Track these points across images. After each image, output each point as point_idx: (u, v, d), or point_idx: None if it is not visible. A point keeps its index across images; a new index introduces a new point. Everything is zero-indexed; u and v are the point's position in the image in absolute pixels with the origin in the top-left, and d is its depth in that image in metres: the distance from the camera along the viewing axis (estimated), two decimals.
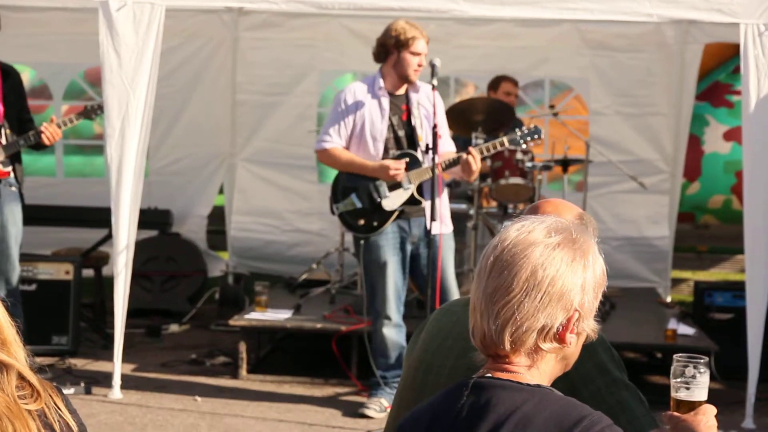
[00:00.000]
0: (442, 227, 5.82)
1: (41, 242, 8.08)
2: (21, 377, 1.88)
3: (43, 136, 6.11)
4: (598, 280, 1.96)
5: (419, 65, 5.81)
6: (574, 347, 1.95)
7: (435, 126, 5.67)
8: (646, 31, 8.48)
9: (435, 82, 5.76)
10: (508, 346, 1.88)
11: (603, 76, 8.73)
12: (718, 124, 10.14)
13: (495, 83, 8.12)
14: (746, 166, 5.81)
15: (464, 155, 5.77)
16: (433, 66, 5.75)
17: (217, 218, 9.25)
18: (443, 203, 5.95)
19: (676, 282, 9.31)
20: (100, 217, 7.15)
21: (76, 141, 11.02)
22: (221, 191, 9.19)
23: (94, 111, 6.26)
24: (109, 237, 6.81)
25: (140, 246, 7.86)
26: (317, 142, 6.03)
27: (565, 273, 1.88)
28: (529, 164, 7.17)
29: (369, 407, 5.87)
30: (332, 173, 9.26)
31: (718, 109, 10.17)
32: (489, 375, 1.91)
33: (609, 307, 7.36)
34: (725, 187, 10.08)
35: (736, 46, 5.82)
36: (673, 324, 6.70)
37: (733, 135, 9.80)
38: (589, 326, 1.95)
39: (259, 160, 8.94)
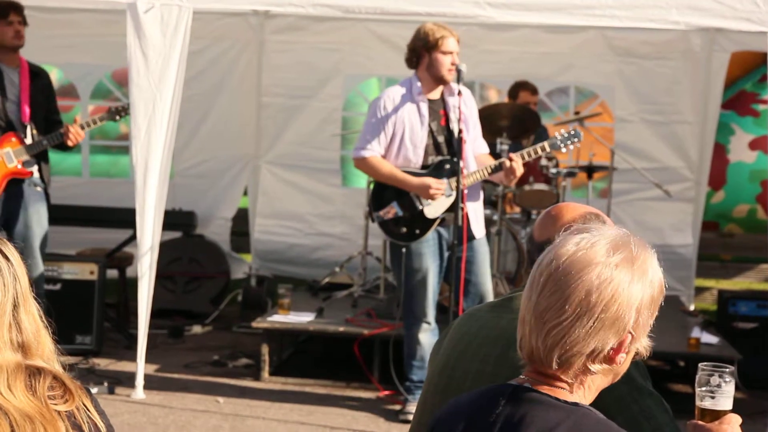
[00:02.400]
0: (477, 232, 5.82)
1: (66, 242, 8.13)
2: (54, 377, 1.90)
3: (65, 138, 6.16)
4: (656, 297, 1.89)
5: (452, 64, 5.75)
6: (624, 366, 1.90)
7: (460, 131, 5.66)
8: (672, 39, 8.45)
9: (461, 86, 5.74)
10: (555, 365, 1.83)
11: (628, 83, 8.70)
12: (744, 133, 10.09)
13: (514, 91, 8.12)
14: None
15: (507, 162, 5.75)
16: (459, 71, 5.73)
17: (241, 220, 9.27)
18: (480, 204, 5.95)
19: (700, 290, 9.26)
20: (125, 218, 7.19)
21: (102, 141, 11.08)
22: (245, 193, 9.22)
23: (118, 113, 6.30)
24: (133, 238, 6.84)
25: (164, 247, 7.88)
26: (355, 150, 5.93)
27: (621, 296, 1.80)
28: (553, 170, 7.16)
29: (411, 412, 5.75)
30: (356, 177, 9.35)
31: (743, 118, 10.12)
32: (528, 385, 1.87)
33: None
34: (750, 196, 10.03)
35: (764, 55, 5.80)
36: (696, 332, 6.67)
37: (758, 144, 9.75)
38: (642, 345, 1.89)
39: (283, 163, 8.95)
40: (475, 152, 5.95)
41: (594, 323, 1.79)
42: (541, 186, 7.12)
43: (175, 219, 8.39)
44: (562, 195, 7.25)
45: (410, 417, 5.76)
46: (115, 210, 8.31)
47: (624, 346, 1.84)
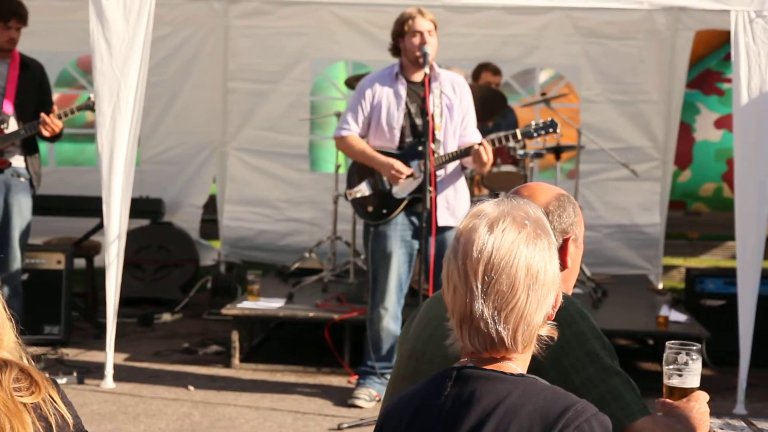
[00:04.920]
0: (455, 220, 5.81)
1: (33, 231, 7.97)
2: (21, 369, 1.88)
3: (41, 127, 6.11)
4: (554, 243, 1.98)
5: (422, 43, 5.74)
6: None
7: (430, 115, 5.66)
8: (637, 19, 8.48)
9: (427, 70, 5.74)
10: (520, 347, 1.89)
11: (594, 64, 8.73)
12: (709, 111, 10.15)
13: (476, 73, 8.12)
14: (737, 153, 5.82)
15: (476, 146, 5.73)
16: (424, 54, 5.73)
17: (210, 207, 9.24)
18: (458, 194, 5.93)
19: (668, 269, 9.33)
20: (92, 207, 7.14)
21: (69, 130, 10.96)
22: (215, 180, 9.18)
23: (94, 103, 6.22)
24: (100, 226, 6.80)
25: (132, 235, 7.86)
26: (336, 129, 6.03)
27: (549, 258, 1.90)
28: (521, 152, 7.17)
29: (359, 397, 5.88)
30: (325, 162, 9.33)
31: (709, 97, 10.17)
32: (472, 365, 1.90)
33: (601, 294, 7.38)
34: (716, 174, 10.10)
35: (728, 34, 5.82)
36: (664, 311, 6.72)
37: (724, 123, 9.81)
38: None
39: (251, 149, 8.92)
40: (464, 140, 5.89)
41: (541, 291, 1.88)
42: (508, 167, 7.13)
43: (143, 207, 8.34)
44: (529, 176, 7.26)
45: (357, 402, 5.81)
46: (81, 199, 8.25)
47: (558, 299, 1.94)
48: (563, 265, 2.49)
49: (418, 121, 5.85)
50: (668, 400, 2.59)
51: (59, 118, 6.14)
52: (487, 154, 5.71)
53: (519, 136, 5.91)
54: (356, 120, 5.91)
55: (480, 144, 5.73)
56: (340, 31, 8.72)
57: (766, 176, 5.75)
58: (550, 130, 5.93)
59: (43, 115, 6.13)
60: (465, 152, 5.79)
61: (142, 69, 5.97)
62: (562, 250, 2.58)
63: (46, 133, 6.16)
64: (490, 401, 1.83)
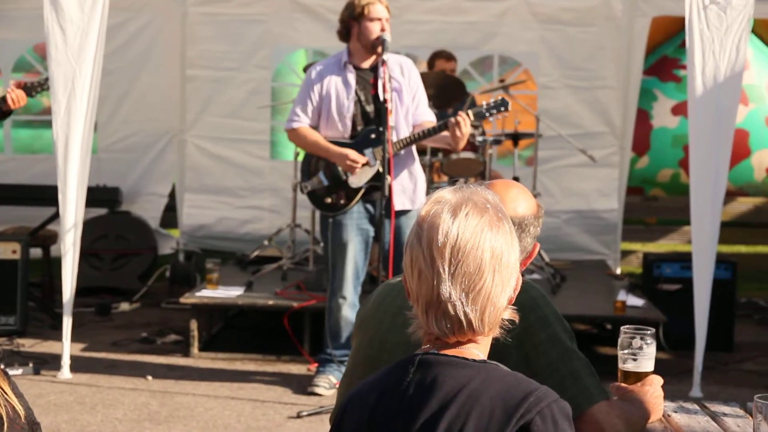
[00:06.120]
0: (412, 203, 5.79)
1: None
2: None
3: (8, 96, 5.96)
4: (513, 227, 1.99)
5: (382, 30, 5.73)
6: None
7: (385, 101, 5.63)
8: (594, 5, 8.53)
9: (386, 57, 5.71)
10: (487, 329, 1.90)
11: (551, 50, 8.76)
12: (666, 98, 10.22)
13: (431, 61, 8.11)
14: (692, 140, 5.86)
15: (452, 119, 5.64)
16: (383, 41, 5.71)
17: (168, 195, 9.19)
18: (413, 176, 5.91)
19: (626, 254, 9.40)
20: (48, 195, 7.06)
21: (25, 116, 10.87)
22: None
23: (34, 88, 6.11)
24: (57, 215, 6.73)
25: (89, 224, 7.80)
26: (287, 122, 5.96)
27: (510, 241, 1.91)
28: (479, 138, 7.18)
29: (318, 384, 5.87)
30: (284, 150, 9.29)
31: (666, 84, 10.25)
32: (434, 351, 1.91)
33: (559, 279, 7.42)
34: (673, 160, 10.18)
35: (684, 20, 5.86)
36: (622, 295, 6.76)
37: (681, 109, 9.88)
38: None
39: (211, 136, 8.87)
40: (418, 120, 5.88)
41: (505, 273, 1.89)
42: (467, 154, 7.14)
43: (100, 195, 8.28)
44: (488, 163, 7.28)
45: (316, 389, 5.81)
46: (37, 187, 8.16)
47: (518, 283, 1.95)
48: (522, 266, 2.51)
49: (369, 109, 5.82)
50: (623, 385, 2.61)
51: (27, 91, 6.00)
52: (466, 126, 5.63)
53: (471, 117, 5.80)
54: (306, 111, 5.85)
55: (458, 115, 5.65)
56: (298, 18, 8.70)
57: (720, 162, 5.80)
58: (502, 108, 5.86)
59: (7, 89, 6.00)
60: (441, 127, 5.73)
61: (98, 56, 5.91)
62: (530, 255, 2.61)
63: (11, 106, 5.97)
64: (452, 387, 1.84)
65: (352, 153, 5.75)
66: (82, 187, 5.96)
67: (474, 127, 7.17)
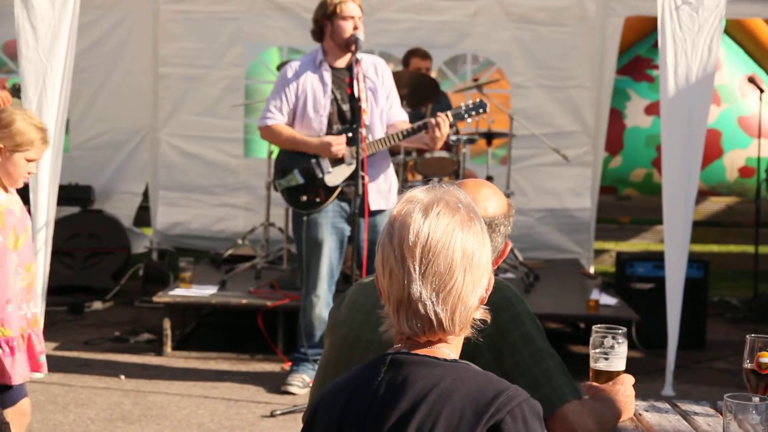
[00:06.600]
0: (386, 203, 5.80)
1: None
2: None
3: None
4: (486, 228, 2.00)
5: (355, 28, 5.73)
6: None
7: (359, 99, 5.63)
8: (567, 5, 8.56)
9: (359, 56, 5.71)
10: (458, 329, 1.90)
11: (525, 50, 8.78)
12: (640, 98, 10.27)
13: (406, 59, 8.11)
14: (665, 140, 5.89)
15: (432, 120, 5.67)
16: (356, 40, 5.71)
17: (141, 194, 9.14)
18: (388, 177, 5.91)
19: (599, 253, 9.44)
20: (20, 194, 6.99)
21: None
22: None
23: (19, 90, 6.07)
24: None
25: (62, 222, 7.76)
26: (260, 119, 5.93)
27: (482, 241, 1.92)
28: (453, 138, 7.19)
29: (292, 383, 5.87)
30: (258, 147, 9.26)
31: (639, 84, 10.30)
32: (405, 350, 1.91)
33: (533, 278, 7.44)
34: (647, 160, 10.23)
35: (656, 20, 5.88)
36: (595, 294, 6.79)
37: (654, 109, 9.93)
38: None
39: (184, 134, 8.83)
40: (391, 120, 5.89)
41: (476, 273, 1.89)
42: (441, 153, 7.15)
43: (72, 194, 8.24)
44: (462, 162, 7.29)
45: (290, 388, 5.81)
46: None
47: (491, 282, 1.95)
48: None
49: (345, 108, 5.82)
50: (594, 384, 2.63)
51: (11, 91, 5.96)
52: (446, 127, 5.67)
53: (450, 119, 5.83)
54: (280, 109, 5.82)
55: (437, 116, 5.67)
56: (271, 15, 8.68)
57: (692, 162, 5.83)
58: (480, 110, 5.89)
59: None
60: (419, 128, 5.74)
61: (69, 54, 5.87)
62: (502, 255, 2.62)
63: None
64: (423, 386, 1.84)
65: (333, 138, 5.73)
66: (53, 186, 5.92)
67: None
